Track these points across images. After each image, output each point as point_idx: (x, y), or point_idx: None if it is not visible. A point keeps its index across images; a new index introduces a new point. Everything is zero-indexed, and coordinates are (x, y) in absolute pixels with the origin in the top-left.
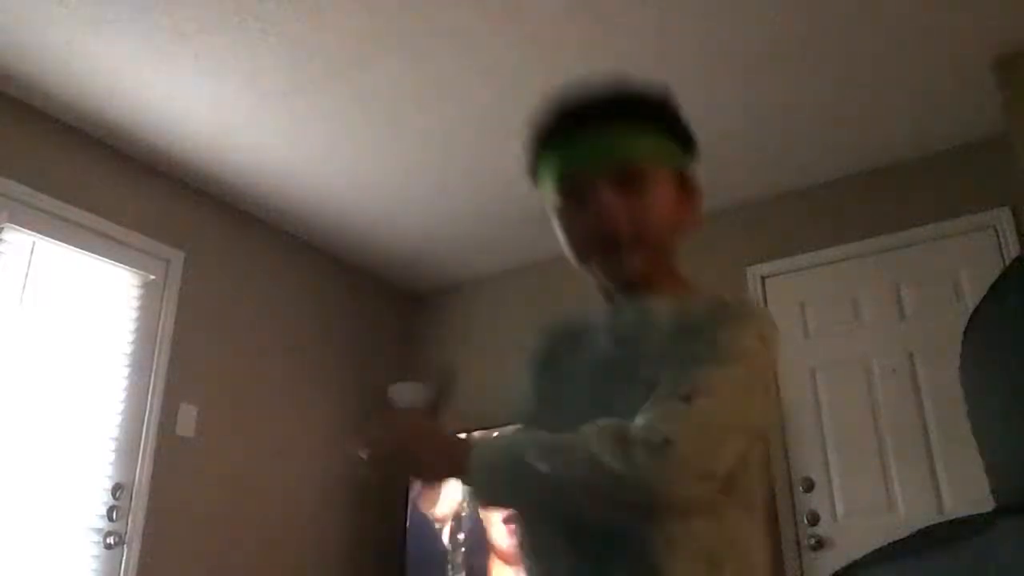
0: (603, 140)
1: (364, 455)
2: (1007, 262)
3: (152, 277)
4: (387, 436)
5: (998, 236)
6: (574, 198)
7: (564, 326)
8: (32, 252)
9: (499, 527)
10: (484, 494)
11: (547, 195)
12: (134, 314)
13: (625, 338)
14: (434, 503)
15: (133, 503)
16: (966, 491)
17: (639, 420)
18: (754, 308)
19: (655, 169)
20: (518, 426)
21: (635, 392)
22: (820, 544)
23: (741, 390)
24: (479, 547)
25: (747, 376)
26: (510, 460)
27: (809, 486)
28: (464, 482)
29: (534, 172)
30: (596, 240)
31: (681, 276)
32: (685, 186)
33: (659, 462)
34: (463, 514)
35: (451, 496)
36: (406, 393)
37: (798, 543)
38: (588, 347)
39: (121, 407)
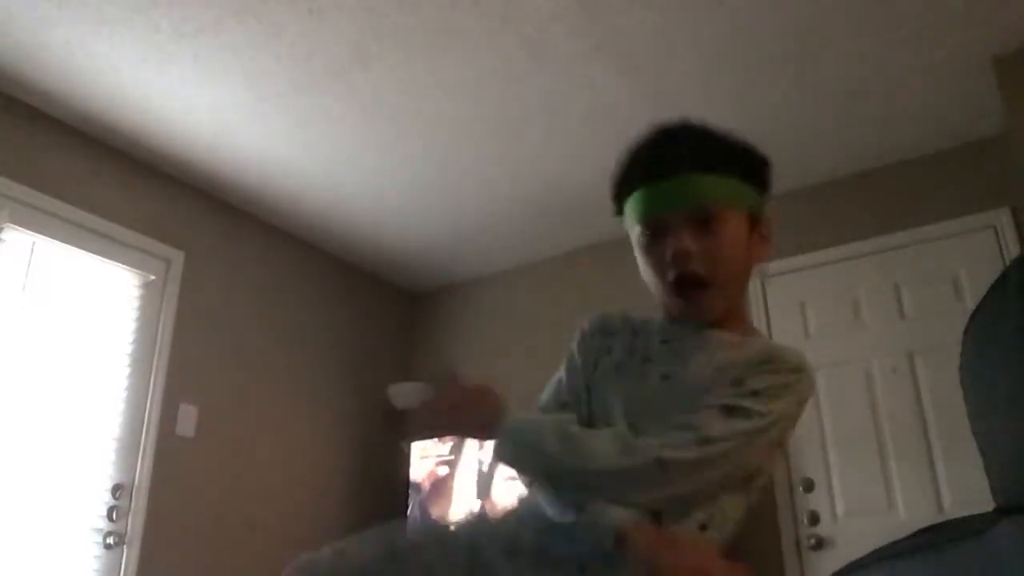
0: (682, 186)
1: (414, 410)
2: (1007, 262)
3: (152, 277)
4: (439, 398)
5: (998, 236)
6: (656, 237)
7: (619, 319)
8: (32, 252)
9: None
10: (503, 459)
11: (632, 229)
12: (134, 314)
13: (687, 361)
14: (446, 505)
15: (133, 503)
16: (966, 491)
17: (657, 433)
18: (799, 366)
19: (728, 212)
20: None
21: (683, 411)
22: (820, 544)
23: (748, 448)
24: None
25: (762, 435)
26: (533, 437)
27: (809, 486)
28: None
29: (620, 205)
30: (672, 278)
31: (743, 314)
32: (757, 227)
33: (647, 475)
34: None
35: (463, 497)
36: (406, 393)
37: (798, 543)
38: (651, 350)
39: (121, 407)
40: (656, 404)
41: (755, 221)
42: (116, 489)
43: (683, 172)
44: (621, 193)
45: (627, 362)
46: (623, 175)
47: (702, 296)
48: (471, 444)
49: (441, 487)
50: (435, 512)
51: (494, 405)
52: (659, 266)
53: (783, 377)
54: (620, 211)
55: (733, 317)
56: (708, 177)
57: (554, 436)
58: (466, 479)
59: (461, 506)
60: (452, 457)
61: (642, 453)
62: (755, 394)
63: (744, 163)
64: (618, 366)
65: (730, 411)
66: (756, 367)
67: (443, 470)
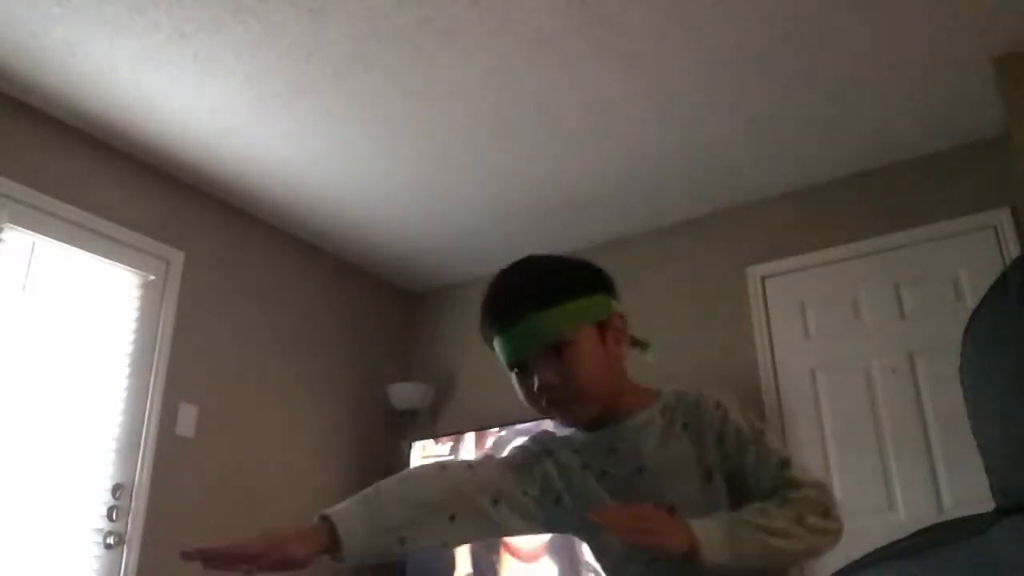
0: (527, 329)
1: (611, 527)
2: (1007, 262)
3: (152, 277)
4: (630, 513)
5: (998, 236)
6: (522, 372)
7: (548, 442)
8: (32, 252)
9: None
10: (723, 559)
11: (502, 363)
12: (134, 314)
13: (638, 452)
14: None
15: (133, 503)
16: (966, 491)
17: (780, 493)
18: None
19: (574, 334)
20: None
21: (689, 483)
22: None
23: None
24: (488, 548)
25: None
26: (740, 532)
27: None
28: (699, 557)
29: (489, 344)
30: (545, 404)
31: (632, 388)
32: (606, 328)
33: (836, 514)
34: None
35: None
36: (406, 393)
37: None
38: (589, 465)
39: (121, 407)
40: (655, 493)
41: (603, 324)
42: (116, 489)
43: (525, 316)
44: (486, 336)
45: (580, 473)
46: (482, 321)
47: (571, 409)
48: (469, 445)
49: None
50: None
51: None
52: (531, 398)
53: (722, 408)
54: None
55: (623, 400)
56: (547, 312)
57: (759, 525)
58: None
59: None
60: (452, 458)
61: (822, 503)
62: (749, 434)
63: (577, 283)
64: (582, 476)
65: (782, 461)
66: (707, 412)
67: None
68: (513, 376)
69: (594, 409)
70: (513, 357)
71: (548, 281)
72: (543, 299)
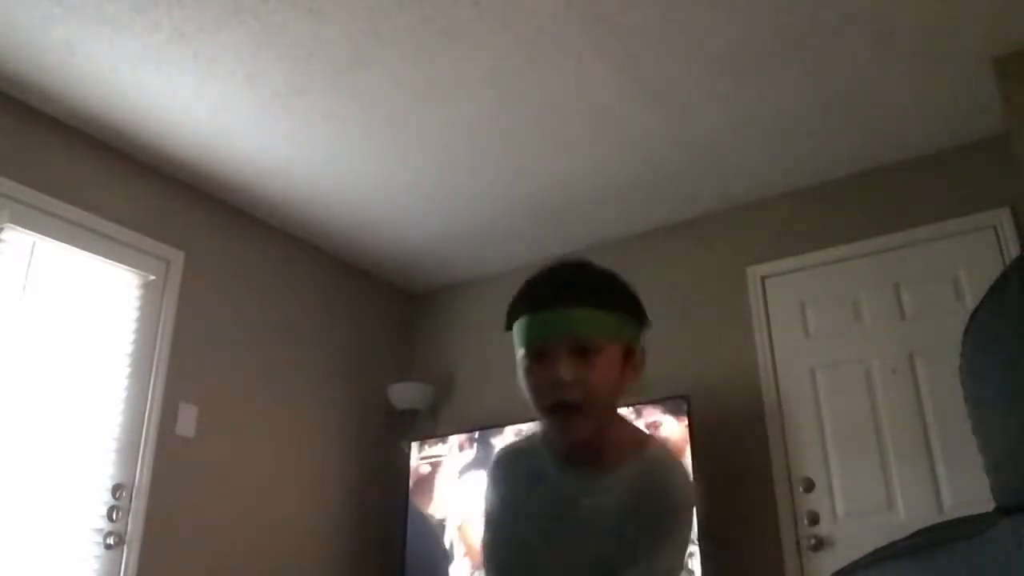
0: (564, 317)
1: None
2: (1007, 262)
3: (152, 277)
4: None
5: (998, 236)
6: (537, 361)
7: (526, 463)
8: (32, 252)
9: None
10: None
11: (517, 351)
12: (134, 314)
13: (575, 505)
14: (429, 502)
15: (133, 503)
16: (966, 491)
17: None
18: (680, 478)
19: (606, 344)
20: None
21: (582, 555)
22: (820, 544)
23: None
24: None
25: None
26: None
27: (809, 486)
28: None
29: (510, 326)
30: (551, 399)
31: (617, 435)
32: (630, 356)
33: None
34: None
35: (450, 496)
36: (406, 393)
37: (798, 543)
38: (549, 494)
39: (121, 407)
40: (566, 551)
41: (630, 351)
42: (116, 489)
43: (566, 304)
44: (512, 316)
45: (544, 518)
46: (515, 300)
47: (574, 419)
48: (456, 444)
49: (425, 484)
50: (422, 508)
51: None
52: (540, 390)
53: (667, 520)
54: (510, 329)
55: (606, 443)
56: (589, 311)
57: None
58: (450, 477)
59: (445, 503)
60: (442, 456)
61: None
62: (662, 532)
63: (623, 300)
64: (540, 523)
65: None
66: (648, 498)
67: (426, 468)
68: (524, 363)
69: (591, 427)
70: (541, 338)
71: (605, 285)
72: (596, 297)
